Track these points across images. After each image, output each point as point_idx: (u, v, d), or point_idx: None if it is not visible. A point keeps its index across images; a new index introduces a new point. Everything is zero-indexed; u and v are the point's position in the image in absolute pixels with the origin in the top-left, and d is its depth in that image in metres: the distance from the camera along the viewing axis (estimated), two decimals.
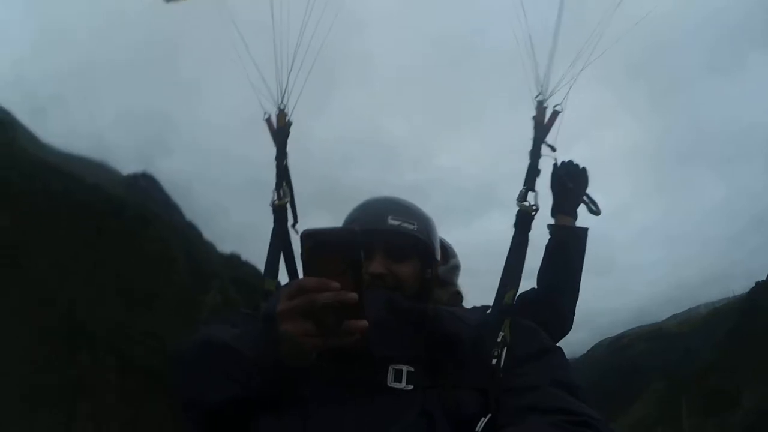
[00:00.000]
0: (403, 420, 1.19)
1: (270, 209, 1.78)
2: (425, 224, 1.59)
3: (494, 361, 1.32)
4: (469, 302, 2.03)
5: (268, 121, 1.87)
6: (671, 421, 53.29)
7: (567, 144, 1.89)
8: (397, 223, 1.52)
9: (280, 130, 1.85)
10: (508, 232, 1.68)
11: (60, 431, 18.84)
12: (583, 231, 1.98)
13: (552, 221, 2.04)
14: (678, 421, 51.38)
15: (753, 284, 55.32)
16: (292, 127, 1.87)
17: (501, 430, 1.16)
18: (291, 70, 1.84)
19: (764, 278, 53.96)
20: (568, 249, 1.95)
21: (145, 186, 54.84)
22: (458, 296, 2.05)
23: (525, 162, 1.74)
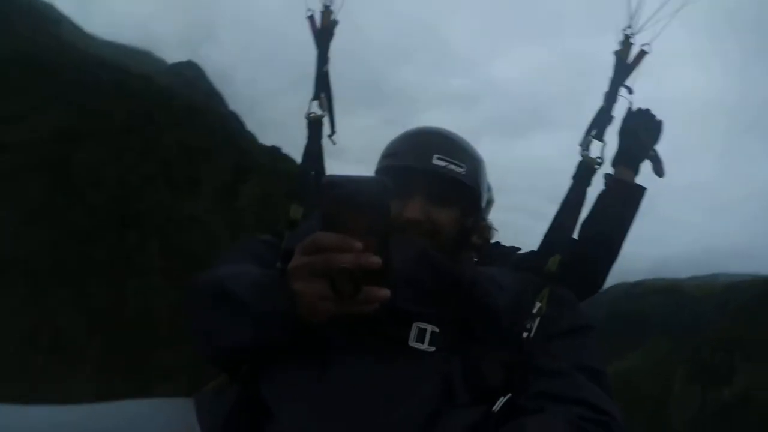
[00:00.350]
0: (422, 384, 1.13)
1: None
2: (476, 167, 1.45)
3: (525, 334, 1.25)
4: (499, 226, 1.92)
5: (311, 19, 1.70)
6: (660, 380, 54.79)
7: (639, 77, 1.64)
8: (443, 164, 1.38)
9: (324, 31, 1.68)
10: (549, 157, 1.70)
11: (110, 304, 20.98)
12: (643, 190, 1.76)
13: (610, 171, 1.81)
14: (667, 381, 53.04)
15: None
16: (337, 27, 1.68)
17: (517, 419, 1.11)
18: None
19: None
20: (622, 206, 1.74)
21: (190, 75, 54.79)
22: (488, 230, 1.93)
23: (583, 89, 1.44)
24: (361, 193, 0.96)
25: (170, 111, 30.67)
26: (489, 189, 2.00)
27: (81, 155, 24.31)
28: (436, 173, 1.36)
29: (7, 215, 19.59)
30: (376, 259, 0.96)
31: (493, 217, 2.16)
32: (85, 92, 26.73)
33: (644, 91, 1.71)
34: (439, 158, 1.37)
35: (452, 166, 1.38)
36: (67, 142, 24.26)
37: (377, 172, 1.46)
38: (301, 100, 1.64)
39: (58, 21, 37.93)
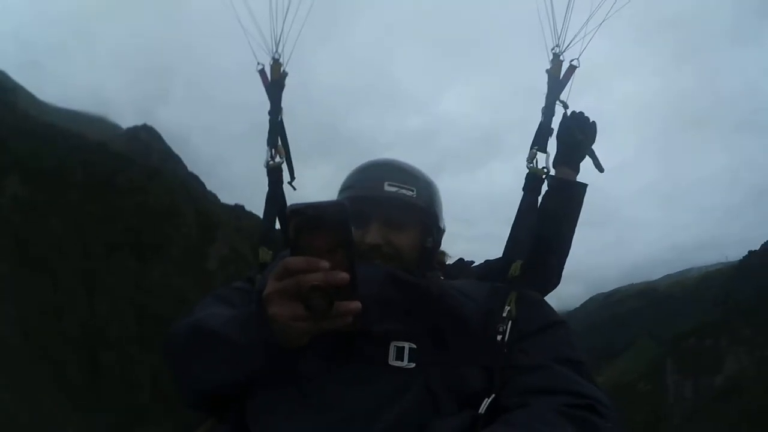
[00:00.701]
0: (405, 399, 1.17)
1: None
2: (426, 190, 1.52)
3: (499, 338, 1.29)
4: (461, 253, 1.98)
5: (262, 72, 1.76)
6: (654, 378, 55.60)
7: (577, 91, 1.84)
8: (394, 189, 1.46)
9: (275, 83, 1.75)
10: (509, 184, 1.63)
11: (89, 380, 20.13)
12: (584, 186, 1.89)
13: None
14: (660, 378, 53.66)
15: (746, 253, 56.61)
16: (287, 78, 1.76)
17: (504, 414, 1.15)
18: (286, 16, 1.74)
19: (757, 248, 55.31)
20: (566, 203, 1.86)
21: (147, 139, 55.15)
22: (443, 254, 2.00)
23: (531, 112, 1.68)
24: (321, 215, 1.03)
25: (129, 176, 30.53)
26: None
27: (42, 225, 23.74)
28: (388, 199, 1.43)
29: None
30: (343, 275, 1.01)
31: (463, 248, 2.17)
32: (42, 161, 26.46)
33: (584, 104, 1.87)
34: (389, 185, 1.45)
35: (403, 191, 1.45)
36: (27, 212, 23.77)
37: None
38: (260, 155, 1.68)
39: (13, 89, 37.82)
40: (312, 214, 1.03)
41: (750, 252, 56.51)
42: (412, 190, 1.46)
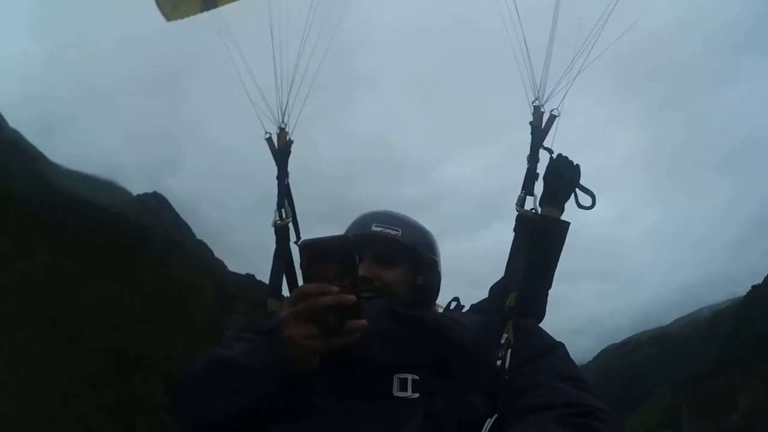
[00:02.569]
0: (409, 429, 1.21)
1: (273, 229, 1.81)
2: (412, 232, 1.66)
3: (498, 363, 1.36)
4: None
5: (269, 140, 1.89)
6: (674, 425, 55.55)
7: (573, 152, 1.96)
8: (380, 229, 1.61)
9: (281, 150, 1.88)
10: (509, 242, 1.72)
11: None
12: (567, 224, 1.99)
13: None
14: (680, 424, 53.70)
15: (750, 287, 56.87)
16: (293, 146, 1.90)
17: (508, 430, 1.19)
18: (291, 90, 1.87)
19: (760, 282, 55.69)
20: (551, 239, 1.95)
21: (157, 206, 56.52)
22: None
23: (524, 168, 1.78)
24: (329, 248, 1.20)
25: (151, 249, 32.60)
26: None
27: (72, 297, 25.46)
28: (374, 237, 1.61)
29: (11, 361, 20.16)
30: (351, 297, 1.16)
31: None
32: (69, 231, 28.38)
33: (579, 159, 2.02)
34: (376, 225, 1.63)
35: (388, 230, 1.62)
36: (57, 286, 25.42)
37: None
38: (266, 225, 1.81)
39: (38, 158, 39.73)
40: (321, 246, 1.21)
41: (753, 287, 56.99)
42: (397, 230, 1.63)
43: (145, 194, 59.45)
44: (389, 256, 1.61)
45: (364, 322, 1.19)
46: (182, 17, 2.26)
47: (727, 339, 55.06)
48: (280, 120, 1.90)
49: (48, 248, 27.15)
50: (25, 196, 28.46)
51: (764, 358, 45.41)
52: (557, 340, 1.47)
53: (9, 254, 24.93)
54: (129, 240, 31.93)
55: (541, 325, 1.78)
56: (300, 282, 1.34)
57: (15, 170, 30.57)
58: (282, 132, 1.90)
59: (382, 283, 1.57)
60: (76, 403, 21.05)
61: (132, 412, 22.85)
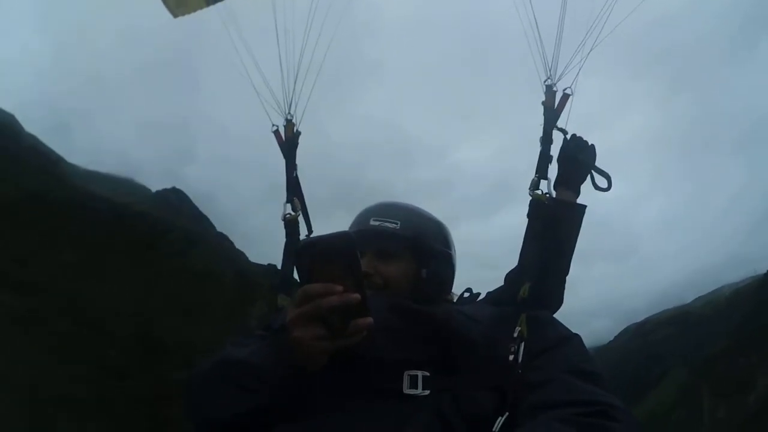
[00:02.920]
0: (418, 426, 1.22)
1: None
2: (412, 222, 1.63)
3: (511, 358, 1.34)
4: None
5: (276, 133, 1.89)
6: (690, 405, 55.46)
7: (586, 131, 1.82)
8: (377, 223, 1.61)
9: (288, 142, 1.88)
10: (523, 225, 1.62)
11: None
12: (583, 208, 1.92)
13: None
14: (697, 404, 53.65)
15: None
16: (301, 137, 1.88)
17: (515, 431, 1.18)
18: (297, 80, 1.85)
19: None
20: (566, 224, 1.88)
21: (176, 201, 56.54)
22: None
23: (537, 150, 1.72)
24: (331, 246, 1.20)
25: (169, 241, 33.50)
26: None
27: (95, 290, 26.35)
28: (372, 232, 1.60)
29: (39, 353, 20.99)
30: (355, 296, 1.17)
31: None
32: (91, 229, 29.27)
33: (595, 140, 1.88)
34: (374, 220, 1.62)
35: (386, 224, 1.60)
36: (79, 279, 26.30)
37: None
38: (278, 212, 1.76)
39: (57, 161, 40.36)
40: (323, 245, 1.21)
41: None
42: (396, 223, 1.61)
43: (164, 190, 59.65)
44: (388, 250, 1.60)
45: (370, 320, 1.20)
46: (188, 12, 2.29)
47: (745, 319, 54.83)
48: (287, 111, 1.90)
49: (70, 246, 28.06)
50: (51, 198, 29.33)
51: None
52: (573, 332, 1.43)
53: (31, 250, 25.75)
54: (149, 234, 32.81)
55: (559, 310, 1.79)
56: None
57: (36, 172, 31.47)
58: (289, 123, 1.90)
59: (383, 278, 1.57)
60: (103, 394, 21.93)
61: (160, 400, 23.74)
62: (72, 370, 21.81)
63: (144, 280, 29.41)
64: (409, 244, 1.61)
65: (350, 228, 1.66)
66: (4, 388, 17.65)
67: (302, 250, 1.25)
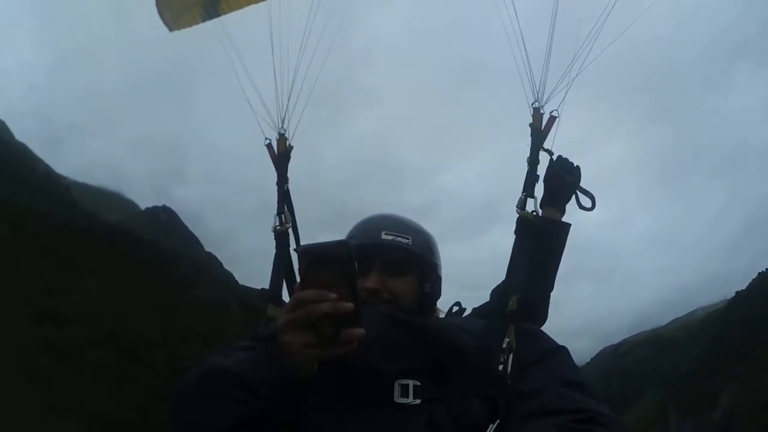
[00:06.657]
0: (408, 431, 1.26)
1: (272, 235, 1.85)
2: (421, 238, 1.68)
3: (501, 368, 1.39)
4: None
5: (269, 146, 1.97)
6: (661, 422, 61.22)
7: (568, 154, 1.93)
8: (390, 237, 1.61)
9: (281, 156, 1.96)
10: (506, 248, 1.72)
11: None
12: (568, 226, 2.02)
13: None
14: (666, 422, 59.64)
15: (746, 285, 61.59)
16: (293, 152, 1.97)
17: None
18: (291, 96, 1.95)
19: (743, 288, 61.70)
20: (551, 242, 1.98)
21: (166, 220, 59.78)
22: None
23: (524, 172, 1.81)
24: (327, 253, 1.20)
25: (182, 270, 37.64)
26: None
27: (124, 318, 29.77)
28: (385, 247, 1.62)
29: (88, 384, 23.83)
30: (349, 305, 1.16)
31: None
32: (110, 258, 32.89)
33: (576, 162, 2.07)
34: (386, 233, 1.64)
35: (399, 239, 1.63)
36: (108, 308, 29.58)
37: None
38: (268, 232, 1.87)
39: (67, 188, 43.39)
40: (319, 252, 1.21)
41: (737, 292, 62.18)
42: (408, 238, 1.65)
43: (155, 207, 62.51)
44: (399, 265, 1.64)
45: (362, 331, 1.20)
46: (184, 27, 2.40)
47: (712, 341, 61.00)
48: (280, 126, 2.00)
49: (95, 277, 31.58)
50: (68, 231, 32.79)
51: (743, 361, 51.15)
52: (560, 344, 1.49)
53: (68, 282, 29.18)
54: (163, 265, 36.69)
55: (542, 328, 1.84)
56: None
57: (51, 206, 34.77)
58: (282, 138, 1.99)
59: (392, 294, 1.61)
60: (154, 416, 24.38)
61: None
62: (119, 396, 25.29)
63: (163, 311, 33.18)
64: (418, 260, 1.68)
65: (354, 238, 1.68)
66: (61, 414, 20.41)
67: (299, 256, 1.28)
